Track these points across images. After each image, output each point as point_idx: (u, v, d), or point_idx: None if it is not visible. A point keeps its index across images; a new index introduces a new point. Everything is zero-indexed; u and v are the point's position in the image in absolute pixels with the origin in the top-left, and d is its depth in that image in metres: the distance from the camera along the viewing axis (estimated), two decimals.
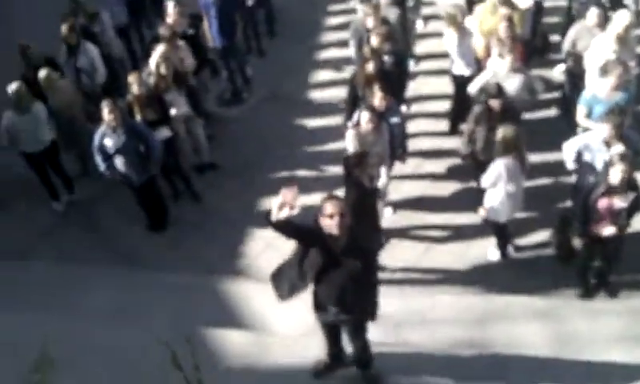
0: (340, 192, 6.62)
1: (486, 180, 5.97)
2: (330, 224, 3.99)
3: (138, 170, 6.79)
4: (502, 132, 5.80)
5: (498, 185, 5.90)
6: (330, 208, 3.99)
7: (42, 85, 7.30)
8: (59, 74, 7.71)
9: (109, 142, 6.62)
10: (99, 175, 7.10)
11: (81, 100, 7.73)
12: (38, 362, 2.94)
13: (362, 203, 5.67)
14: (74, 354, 5.16)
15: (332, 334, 4.83)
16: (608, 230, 5.52)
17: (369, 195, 5.91)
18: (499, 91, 6.25)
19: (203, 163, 7.96)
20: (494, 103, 6.22)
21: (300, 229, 4.12)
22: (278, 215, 3.92)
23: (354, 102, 6.92)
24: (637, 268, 6.19)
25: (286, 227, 4.04)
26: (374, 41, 7.01)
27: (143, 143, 6.69)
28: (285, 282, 4.47)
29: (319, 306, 4.51)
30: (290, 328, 5.59)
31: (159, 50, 7.20)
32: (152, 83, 7.14)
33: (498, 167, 5.83)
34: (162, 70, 7.10)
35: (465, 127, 6.76)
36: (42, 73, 7.29)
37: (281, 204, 3.89)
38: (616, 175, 5.26)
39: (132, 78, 6.91)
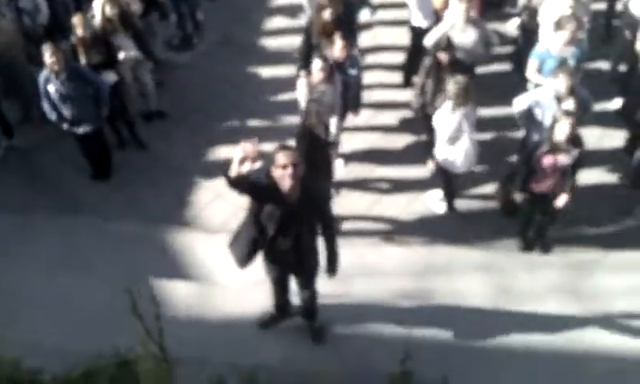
0: (292, 142, 6.61)
1: (444, 133, 5.93)
2: (282, 174, 3.91)
3: (85, 116, 6.54)
4: (452, 83, 5.76)
5: (460, 136, 5.89)
6: (282, 158, 3.91)
7: None
8: None
9: (52, 88, 6.35)
10: (41, 121, 6.85)
11: (21, 41, 7.32)
12: None
13: (315, 154, 5.62)
14: (19, 304, 5.07)
15: (281, 286, 4.85)
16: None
17: (322, 146, 5.84)
18: (448, 44, 6.20)
19: (150, 110, 7.74)
20: (443, 56, 6.20)
21: (255, 184, 4.02)
22: (238, 170, 3.82)
23: (308, 50, 6.78)
24: (574, 223, 6.37)
25: (243, 184, 3.97)
26: None
27: (89, 87, 6.42)
28: (243, 243, 4.36)
29: (274, 260, 4.49)
30: (235, 279, 5.56)
31: None
32: (97, 25, 6.84)
33: (457, 118, 5.81)
34: (108, 10, 6.81)
35: (416, 80, 6.72)
36: None
37: (241, 158, 3.78)
38: (561, 131, 5.31)
39: (76, 20, 6.62)
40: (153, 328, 2.87)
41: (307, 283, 4.72)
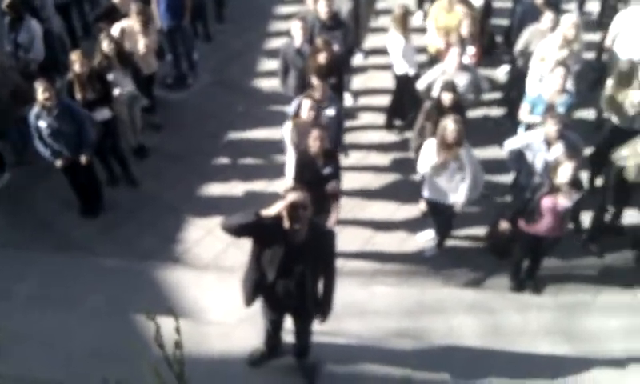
0: (281, 182, 6.65)
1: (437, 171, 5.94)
2: (292, 215, 3.88)
3: (73, 151, 6.53)
4: (452, 121, 5.73)
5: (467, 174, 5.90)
6: (293, 198, 3.89)
7: None
8: None
9: (43, 124, 6.34)
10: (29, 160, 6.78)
11: (1, 77, 7.14)
12: None
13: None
14: (7, 341, 4.98)
15: (276, 327, 4.79)
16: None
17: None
18: (453, 87, 6.30)
19: (139, 146, 7.77)
20: (446, 98, 6.26)
21: (261, 224, 3.97)
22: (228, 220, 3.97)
23: (301, 92, 6.87)
24: (565, 265, 6.41)
25: (239, 229, 4.01)
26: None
27: (77, 125, 6.41)
28: (247, 285, 4.33)
29: (275, 303, 4.43)
30: (226, 316, 5.52)
31: (119, 25, 7.12)
32: (94, 61, 6.92)
33: (468, 155, 5.83)
34: (105, 47, 6.91)
35: (416, 122, 6.77)
36: None
37: (292, 207, 3.88)
38: (565, 173, 5.32)
39: (74, 56, 6.65)
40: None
41: (304, 324, 4.67)
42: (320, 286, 4.36)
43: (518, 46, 7.50)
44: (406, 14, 7.33)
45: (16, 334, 5.17)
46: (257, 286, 4.28)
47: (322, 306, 4.44)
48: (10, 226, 7.01)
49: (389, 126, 8.07)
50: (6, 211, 7.19)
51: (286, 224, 3.93)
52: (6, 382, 3.31)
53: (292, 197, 3.90)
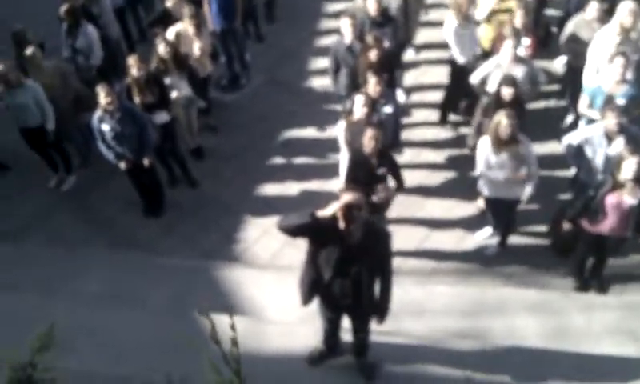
0: (335, 181, 6.67)
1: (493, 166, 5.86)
2: (347, 215, 3.93)
3: (136, 153, 6.72)
4: (507, 117, 5.63)
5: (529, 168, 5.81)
6: (349, 199, 3.93)
7: (27, 62, 7.21)
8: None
9: (106, 127, 6.54)
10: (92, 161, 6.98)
11: (63, 84, 7.42)
12: (39, 343, 2.90)
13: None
14: (74, 337, 5.17)
15: (334, 326, 4.82)
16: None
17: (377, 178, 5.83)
18: (513, 81, 6.17)
19: (197, 147, 7.92)
20: (507, 92, 6.13)
21: (317, 225, 4.01)
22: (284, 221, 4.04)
23: (353, 90, 6.88)
24: (631, 263, 6.22)
25: (295, 230, 4.07)
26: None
27: (139, 128, 6.60)
28: (305, 283, 4.38)
29: (331, 302, 4.47)
30: (284, 315, 5.58)
31: (173, 29, 7.31)
32: (152, 66, 7.09)
33: (527, 150, 5.77)
34: (161, 51, 7.06)
35: (474, 119, 6.67)
36: (29, 51, 7.22)
37: (348, 207, 3.91)
38: (629, 169, 5.16)
39: (131, 61, 6.82)
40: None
41: (362, 324, 4.68)
42: (377, 286, 4.36)
43: (563, 37, 7.32)
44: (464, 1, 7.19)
45: (81, 329, 5.35)
46: (313, 286, 4.32)
47: (380, 307, 4.44)
48: (77, 225, 7.26)
49: (443, 121, 7.99)
50: (72, 211, 7.45)
51: (341, 224, 3.97)
52: (70, 377, 3.46)
53: (346, 197, 3.93)
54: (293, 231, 4.13)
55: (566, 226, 5.75)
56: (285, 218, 4.15)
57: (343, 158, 6.42)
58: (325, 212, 4.00)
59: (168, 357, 4.96)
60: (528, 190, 5.90)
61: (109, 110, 6.43)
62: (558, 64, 8.49)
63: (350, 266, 4.14)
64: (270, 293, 5.97)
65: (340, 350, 5.04)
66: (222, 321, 2.57)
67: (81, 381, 4.72)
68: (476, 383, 4.88)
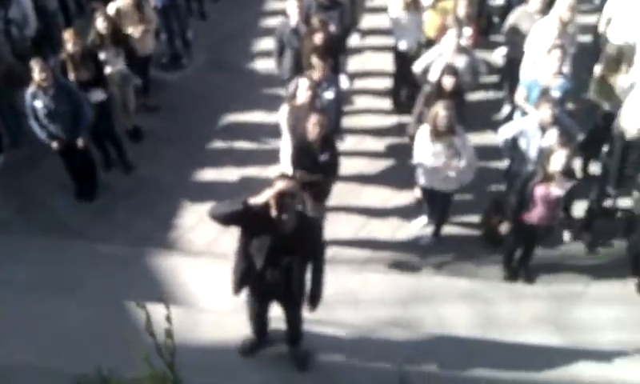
0: (276, 167, 6.62)
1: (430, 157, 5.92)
2: (280, 203, 3.91)
3: (69, 133, 6.49)
4: (445, 108, 5.68)
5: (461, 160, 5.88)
6: (282, 187, 3.91)
7: None
8: None
9: (39, 104, 6.29)
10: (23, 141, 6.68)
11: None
12: None
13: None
14: (4, 326, 5.01)
15: (262, 314, 4.81)
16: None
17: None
18: (454, 71, 6.21)
19: (134, 128, 7.71)
20: (447, 82, 6.17)
21: (243, 214, 3.97)
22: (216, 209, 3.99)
23: (296, 73, 6.81)
24: (558, 254, 6.43)
25: (227, 218, 4.02)
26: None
27: (74, 105, 6.37)
28: (236, 273, 4.36)
29: (262, 292, 4.45)
30: (218, 304, 5.53)
31: (114, 5, 7.09)
32: (88, 41, 6.84)
33: (462, 141, 5.81)
34: (100, 25, 6.82)
35: (414, 108, 6.70)
36: None
37: (280, 195, 3.88)
38: (558, 161, 5.29)
39: (67, 35, 6.55)
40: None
41: (294, 312, 4.69)
42: (308, 274, 4.38)
43: (505, 28, 7.40)
44: None
45: (8, 320, 5.19)
46: (245, 275, 4.30)
47: (311, 295, 4.47)
48: (5, 208, 7.00)
49: (396, 107, 7.98)
50: (0, 193, 7.15)
51: (274, 213, 3.95)
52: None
53: (280, 185, 3.91)
54: (224, 219, 4.10)
55: (503, 224, 5.93)
56: (216, 205, 4.10)
57: (285, 144, 6.36)
58: (257, 199, 3.97)
59: (99, 348, 4.86)
60: (463, 180, 5.99)
61: (43, 85, 6.18)
62: (498, 55, 8.61)
63: (281, 255, 4.14)
64: (204, 281, 5.92)
65: (271, 339, 5.03)
66: (156, 311, 2.51)
67: (7, 375, 4.60)
68: (408, 372, 4.98)
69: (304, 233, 4.11)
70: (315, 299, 4.50)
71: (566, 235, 6.51)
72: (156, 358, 2.41)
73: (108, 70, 6.92)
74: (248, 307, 4.74)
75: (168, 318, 2.58)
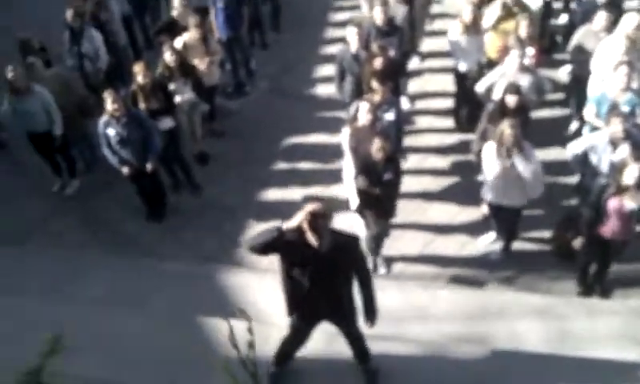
0: (338, 186, 6.66)
1: (497, 175, 5.87)
2: (311, 225, 3.92)
3: (139, 159, 6.76)
4: (510, 126, 5.64)
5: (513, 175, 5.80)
6: (311, 210, 3.92)
7: (27, 71, 7.11)
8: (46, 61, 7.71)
9: (112, 132, 6.59)
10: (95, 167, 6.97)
11: (64, 91, 7.37)
12: (48, 347, 2.88)
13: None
14: (76, 342, 5.13)
15: (304, 337, 4.71)
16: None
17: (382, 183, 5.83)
18: (517, 89, 6.19)
19: (200, 152, 7.94)
20: (511, 100, 6.15)
21: (278, 241, 3.99)
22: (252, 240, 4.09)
23: (358, 97, 6.90)
24: (634, 268, 6.18)
25: (264, 248, 4.06)
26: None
27: (144, 133, 6.63)
28: (286, 297, 4.38)
29: (313, 314, 4.45)
30: (284, 319, 5.54)
31: (181, 39, 7.42)
32: (157, 73, 7.14)
33: (529, 156, 5.74)
34: (168, 58, 7.12)
35: (479, 125, 6.66)
36: (29, 60, 7.26)
37: (313, 216, 3.88)
38: (631, 175, 5.17)
39: (137, 68, 6.88)
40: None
41: (350, 329, 4.64)
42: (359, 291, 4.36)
43: (570, 47, 7.35)
44: (471, 9, 7.25)
45: (83, 334, 5.30)
46: (293, 298, 4.31)
47: (366, 310, 4.43)
48: (79, 229, 7.28)
49: (458, 126, 7.99)
50: (74, 215, 7.47)
51: (308, 235, 3.96)
52: (71, 382, 3.45)
53: (310, 207, 3.93)
54: (261, 249, 4.10)
55: (577, 239, 5.77)
56: (253, 237, 4.18)
57: (347, 164, 6.44)
58: (290, 224, 4.00)
59: (170, 364, 4.96)
60: (531, 195, 5.89)
61: (115, 115, 6.48)
62: (563, 73, 8.51)
63: (324, 275, 4.12)
64: (270, 297, 5.94)
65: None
66: (225, 325, 2.55)
67: None
68: None
69: (342, 250, 4.09)
70: (371, 314, 4.44)
71: None
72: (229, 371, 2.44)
73: (177, 99, 7.19)
74: (291, 329, 4.67)
75: (250, 330, 2.63)
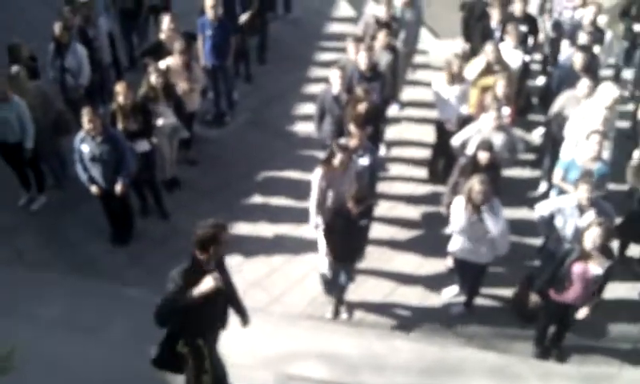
0: (307, 227, 6.67)
1: (465, 229, 5.94)
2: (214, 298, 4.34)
3: (108, 181, 6.71)
4: (480, 183, 5.72)
5: (481, 231, 5.88)
6: (215, 286, 4.33)
7: (9, 83, 7.06)
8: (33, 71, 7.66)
9: (86, 149, 6.55)
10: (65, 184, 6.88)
11: (43, 105, 7.32)
12: None
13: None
14: (26, 362, 5.02)
15: None
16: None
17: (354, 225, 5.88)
18: (490, 146, 6.32)
19: (172, 178, 7.92)
20: (483, 156, 6.27)
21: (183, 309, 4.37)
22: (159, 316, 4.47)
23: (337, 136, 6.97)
24: (591, 334, 6.25)
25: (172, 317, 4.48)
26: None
27: (118, 154, 6.59)
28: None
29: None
30: (243, 358, 5.49)
31: (165, 63, 7.39)
32: (140, 94, 7.14)
33: (495, 213, 5.82)
34: (153, 80, 7.14)
35: (450, 178, 6.76)
36: (14, 69, 7.20)
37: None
38: (590, 239, 5.26)
39: (119, 88, 6.87)
40: None
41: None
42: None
43: (553, 109, 7.49)
44: (457, 62, 7.39)
45: (34, 356, 5.21)
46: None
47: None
48: (40, 247, 7.18)
49: (431, 177, 8.07)
50: (38, 232, 7.37)
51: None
52: None
53: (212, 284, 4.33)
54: (168, 321, 4.49)
55: (534, 298, 5.83)
56: (157, 312, 4.46)
57: (312, 204, 6.41)
58: (194, 297, 4.33)
59: None
60: (497, 253, 5.96)
61: (91, 133, 6.45)
62: (536, 135, 8.69)
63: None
64: (231, 333, 5.89)
65: None
66: None
67: None
68: None
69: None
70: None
71: None
72: None
73: (160, 122, 7.19)
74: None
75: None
